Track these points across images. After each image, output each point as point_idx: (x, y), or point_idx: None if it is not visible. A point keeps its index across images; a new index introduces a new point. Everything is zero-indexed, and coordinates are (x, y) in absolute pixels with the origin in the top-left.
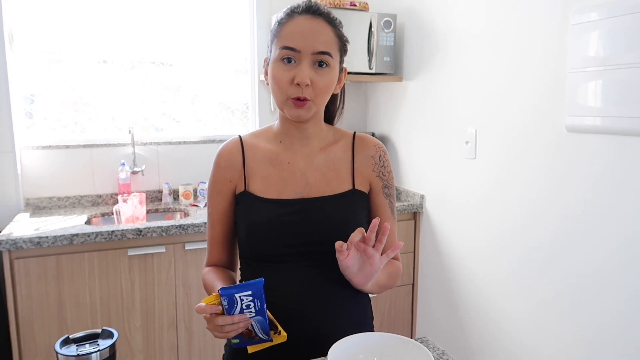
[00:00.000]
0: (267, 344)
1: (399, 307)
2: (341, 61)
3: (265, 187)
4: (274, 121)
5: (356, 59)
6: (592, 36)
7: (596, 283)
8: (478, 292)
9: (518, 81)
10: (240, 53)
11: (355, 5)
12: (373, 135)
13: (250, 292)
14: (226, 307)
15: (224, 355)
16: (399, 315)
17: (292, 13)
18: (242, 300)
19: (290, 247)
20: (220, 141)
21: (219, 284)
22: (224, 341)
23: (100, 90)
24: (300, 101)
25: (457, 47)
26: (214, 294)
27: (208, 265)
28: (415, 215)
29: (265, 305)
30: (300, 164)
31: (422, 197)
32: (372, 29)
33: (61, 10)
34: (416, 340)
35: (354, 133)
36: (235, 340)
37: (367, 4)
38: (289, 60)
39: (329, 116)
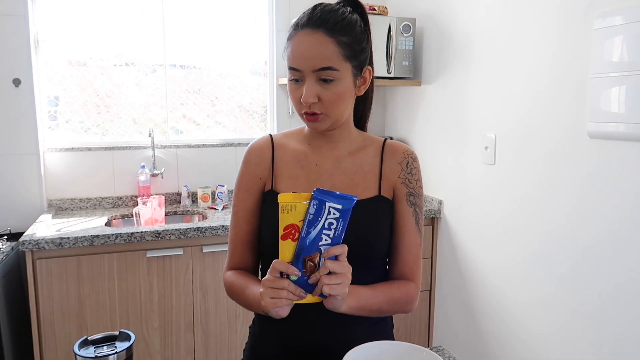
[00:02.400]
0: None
1: (416, 313)
2: (355, 66)
3: (291, 188)
4: (292, 124)
5: (375, 63)
6: (615, 41)
7: (625, 298)
8: (497, 302)
9: (538, 86)
10: (259, 56)
11: (374, 9)
12: (391, 139)
13: (340, 207)
14: (310, 216)
15: None
16: (416, 321)
17: (297, 27)
18: (329, 213)
19: None
20: (239, 144)
21: (252, 286)
22: (241, 344)
23: (122, 92)
24: (311, 116)
25: (477, 52)
26: (299, 194)
27: (231, 268)
28: (433, 220)
29: (344, 233)
30: (327, 166)
31: (440, 202)
32: (391, 33)
33: (85, 14)
34: (432, 349)
35: (385, 139)
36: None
37: (386, 7)
38: (297, 80)
39: (360, 117)
